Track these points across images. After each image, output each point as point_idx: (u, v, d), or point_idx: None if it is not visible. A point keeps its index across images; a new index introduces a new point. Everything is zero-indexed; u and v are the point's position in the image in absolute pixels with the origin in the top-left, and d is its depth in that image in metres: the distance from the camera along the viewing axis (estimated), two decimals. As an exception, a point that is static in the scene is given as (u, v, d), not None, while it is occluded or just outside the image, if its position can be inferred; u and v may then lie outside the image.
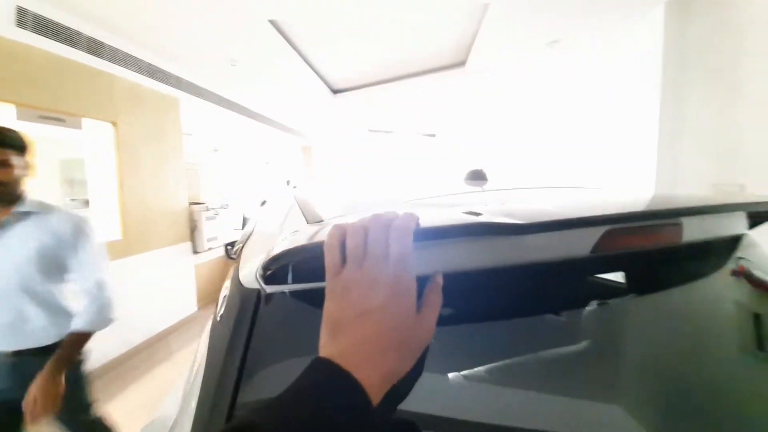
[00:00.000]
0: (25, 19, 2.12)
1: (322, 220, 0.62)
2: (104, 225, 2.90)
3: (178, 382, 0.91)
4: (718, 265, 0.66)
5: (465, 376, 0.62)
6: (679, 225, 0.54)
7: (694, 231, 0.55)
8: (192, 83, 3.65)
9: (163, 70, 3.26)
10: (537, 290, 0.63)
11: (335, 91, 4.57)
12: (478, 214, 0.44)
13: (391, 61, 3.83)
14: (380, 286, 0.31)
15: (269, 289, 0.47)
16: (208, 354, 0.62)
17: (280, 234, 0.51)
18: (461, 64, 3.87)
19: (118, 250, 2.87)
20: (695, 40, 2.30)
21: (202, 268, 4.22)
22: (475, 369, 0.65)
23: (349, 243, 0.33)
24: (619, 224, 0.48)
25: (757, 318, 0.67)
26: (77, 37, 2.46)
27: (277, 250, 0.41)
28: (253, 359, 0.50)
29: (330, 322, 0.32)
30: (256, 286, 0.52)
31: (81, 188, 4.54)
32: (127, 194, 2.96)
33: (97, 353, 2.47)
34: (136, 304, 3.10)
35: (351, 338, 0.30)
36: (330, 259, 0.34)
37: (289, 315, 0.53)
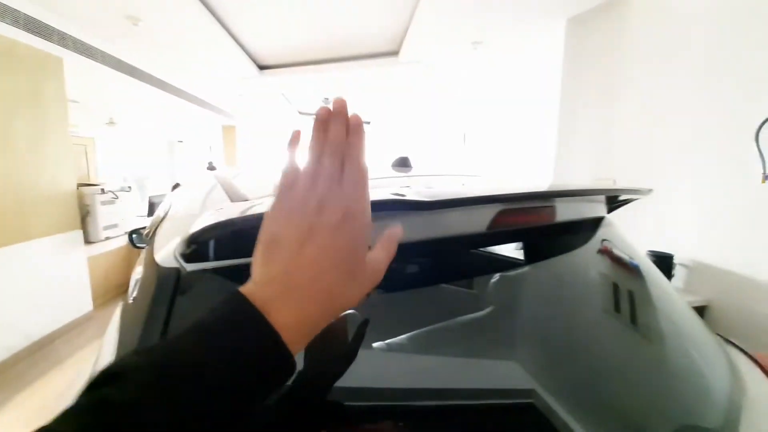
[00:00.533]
0: None
1: (247, 199, 0.60)
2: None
3: (76, 384, 0.82)
4: (585, 240, 0.81)
5: (384, 346, 0.68)
6: (552, 207, 0.66)
7: (565, 212, 0.68)
8: (81, 41, 3.04)
9: (43, 22, 2.66)
10: (448, 261, 0.73)
11: (261, 67, 4.26)
12: (402, 195, 0.48)
13: (323, 42, 3.70)
14: (331, 208, 0.28)
15: (190, 267, 0.45)
16: (119, 341, 0.57)
17: (201, 214, 0.48)
18: (395, 53, 3.93)
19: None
20: (589, 52, 2.68)
21: (97, 260, 3.65)
22: (392, 338, 0.71)
23: (307, 160, 0.30)
24: (505, 204, 0.58)
25: (615, 286, 0.85)
26: None
27: (199, 226, 0.39)
28: None
29: (267, 243, 0.28)
30: (175, 265, 0.49)
31: None
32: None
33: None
34: (12, 303, 2.58)
35: (287, 265, 0.27)
36: (287, 174, 0.30)
37: (212, 296, 0.51)
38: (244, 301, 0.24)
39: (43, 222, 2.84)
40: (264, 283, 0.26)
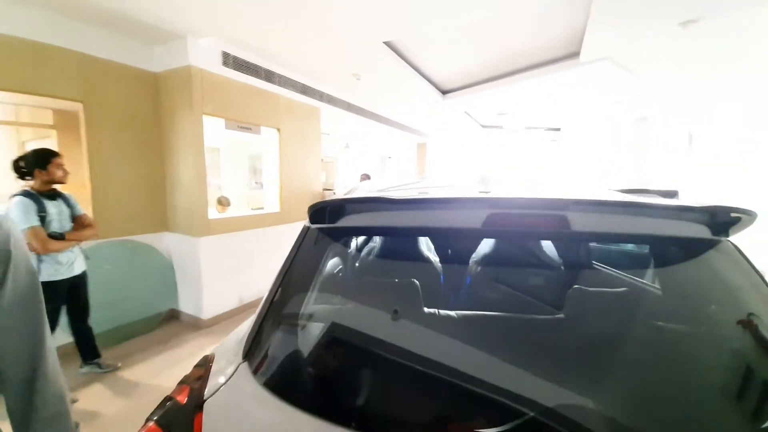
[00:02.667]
0: (227, 60, 3.33)
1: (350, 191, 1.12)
2: (271, 201, 4.16)
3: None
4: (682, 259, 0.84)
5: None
6: (549, 216, 0.77)
7: (587, 223, 0.77)
8: (329, 95, 4.68)
9: (310, 87, 4.34)
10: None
11: (444, 92, 4.96)
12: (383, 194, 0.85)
13: (496, 59, 3.98)
14: None
15: (312, 225, 0.99)
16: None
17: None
18: (575, 55, 3.71)
19: (276, 219, 4.06)
20: None
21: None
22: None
23: None
24: (494, 208, 0.78)
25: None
26: (259, 70, 3.63)
27: (313, 205, 0.92)
28: (291, 272, 0.97)
29: None
30: (307, 223, 1.03)
31: (259, 175, 6.29)
32: (283, 179, 4.15)
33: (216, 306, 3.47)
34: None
35: None
36: None
37: (317, 239, 1.00)
38: None
39: (303, 211, 4.57)
40: None
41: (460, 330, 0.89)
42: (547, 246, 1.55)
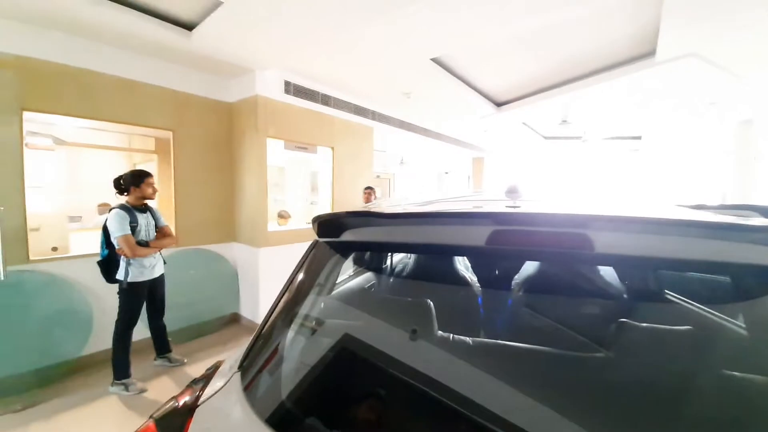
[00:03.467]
0: (288, 88, 3.66)
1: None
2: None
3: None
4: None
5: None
6: (572, 235, 0.66)
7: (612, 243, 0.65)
8: (381, 113, 4.84)
9: (362, 107, 4.55)
10: None
11: (499, 104, 4.80)
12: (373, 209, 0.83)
13: (552, 68, 3.75)
14: None
15: (321, 239, 1.00)
16: None
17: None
18: (648, 54, 3.33)
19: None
20: None
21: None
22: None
23: None
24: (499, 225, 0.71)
25: None
26: (316, 95, 3.93)
27: (319, 216, 0.95)
28: (296, 285, 0.99)
29: None
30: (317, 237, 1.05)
31: (317, 190, 6.70)
32: (336, 196, 4.36)
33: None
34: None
35: None
36: None
37: (327, 258, 1.00)
38: None
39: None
40: None
41: (473, 358, 0.82)
42: (608, 271, 1.37)
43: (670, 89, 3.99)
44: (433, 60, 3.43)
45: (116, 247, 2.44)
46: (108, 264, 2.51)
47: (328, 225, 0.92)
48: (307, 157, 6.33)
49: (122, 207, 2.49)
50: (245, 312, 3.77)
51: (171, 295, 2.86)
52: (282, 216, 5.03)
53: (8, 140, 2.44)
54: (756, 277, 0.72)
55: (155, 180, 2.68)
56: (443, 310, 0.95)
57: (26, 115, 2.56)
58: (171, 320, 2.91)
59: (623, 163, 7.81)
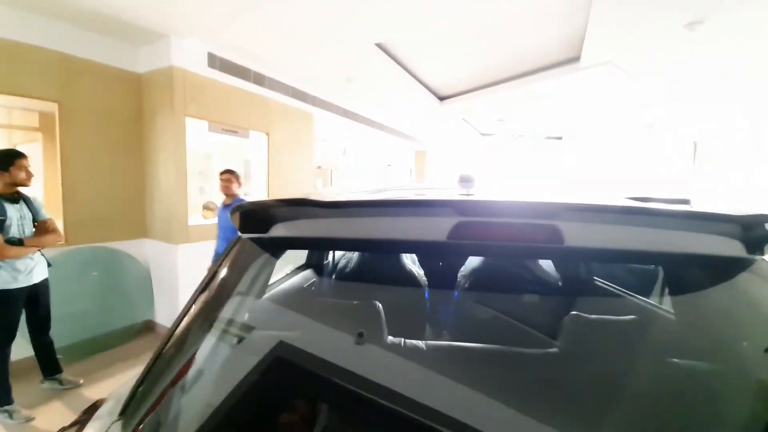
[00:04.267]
0: (213, 61, 3.21)
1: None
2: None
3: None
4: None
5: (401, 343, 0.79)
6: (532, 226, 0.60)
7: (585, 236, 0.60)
8: (322, 99, 4.56)
9: (302, 91, 4.22)
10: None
11: (441, 98, 4.84)
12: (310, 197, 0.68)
13: (495, 64, 3.85)
14: None
15: (244, 235, 0.77)
16: None
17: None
18: (574, 59, 3.58)
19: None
20: None
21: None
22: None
23: None
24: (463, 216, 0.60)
25: None
26: (247, 73, 3.52)
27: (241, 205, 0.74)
28: (209, 296, 0.78)
29: None
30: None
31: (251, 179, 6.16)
32: (272, 186, 4.00)
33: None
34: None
35: None
36: None
37: (252, 259, 0.81)
38: None
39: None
40: None
41: (427, 364, 0.73)
42: (548, 264, 1.37)
43: (588, 93, 4.38)
44: (378, 45, 3.27)
45: None
46: None
47: (252, 217, 0.73)
48: (239, 143, 5.76)
49: None
50: (161, 319, 3.28)
51: (65, 303, 2.35)
52: (208, 208, 4.49)
53: None
54: (692, 266, 0.74)
55: (30, 163, 2.13)
56: (391, 312, 0.85)
57: None
58: (65, 334, 2.39)
59: (547, 161, 8.55)
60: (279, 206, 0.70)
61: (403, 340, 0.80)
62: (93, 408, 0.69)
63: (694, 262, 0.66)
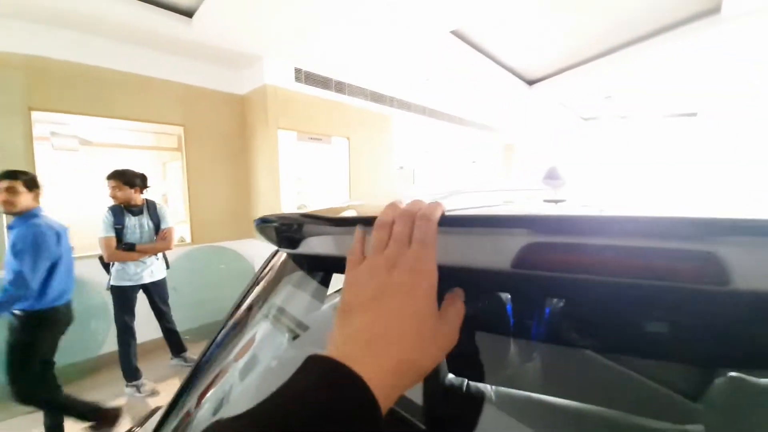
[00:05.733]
0: (300, 76, 3.47)
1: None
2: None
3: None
4: None
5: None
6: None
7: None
8: (400, 100, 4.55)
9: (380, 93, 4.29)
10: None
11: (530, 83, 4.35)
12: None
13: (593, 35, 3.28)
14: (399, 268, 0.29)
15: (281, 249, 0.72)
16: None
17: None
18: (714, 11, 2.80)
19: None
20: None
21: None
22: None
23: (373, 235, 0.33)
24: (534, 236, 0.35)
25: None
26: (329, 83, 3.72)
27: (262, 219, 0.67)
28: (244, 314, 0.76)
29: (342, 313, 0.29)
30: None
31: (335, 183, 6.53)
32: (353, 189, 4.15)
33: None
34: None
35: (362, 322, 0.27)
36: (353, 250, 0.34)
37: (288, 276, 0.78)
38: (329, 360, 0.24)
39: (374, 220, 4.50)
40: (342, 343, 0.27)
41: (490, 410, 0.57)
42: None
43: (734, 54, 3.38)
44: (454, 33, 3.09)
45: None
46: (106, 263, 2.47)
47: (280, 230, 0.64)
48: (324, 149, 6.16)
49: (112, 208, 2.41)
50: (263, 310, 3.69)
51: (189, 293, 2.80)
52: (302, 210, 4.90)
53: (16, 140, 2.44)
54: None
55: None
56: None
57: (46, 116, 2.57)
58: (189, 318, 2.85)
59: (675, 145, 6.97)
60: (277, 222, 0.61)
61: (466, 381, 0.63)
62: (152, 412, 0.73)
63: None
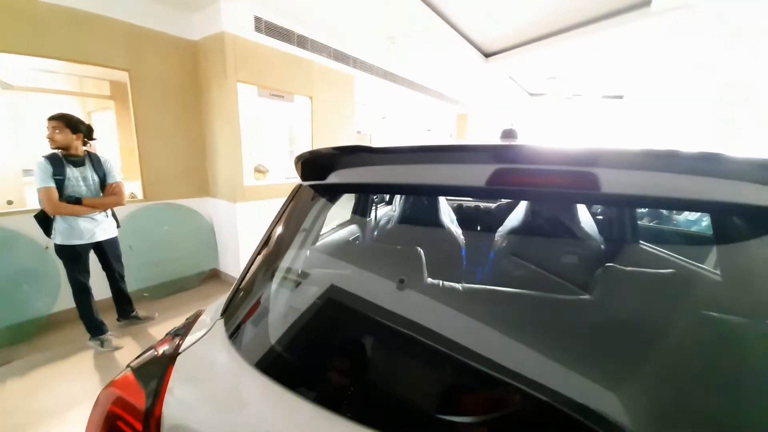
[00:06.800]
0: (260, 25, 3.29)
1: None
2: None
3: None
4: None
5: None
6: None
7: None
8: (363, 61, 4.52)
9: (343, 53, 4.21)
10: None
11: (487, 55, 4.57)
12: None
13: (547, 14, 3.54)
14: None
15: (305, 183, 0.90)
16: None
17: None
18: (645, 4, 3.19)
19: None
20: None
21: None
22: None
23: None
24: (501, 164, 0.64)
25: None
26: (291, 36, 3.58)
27: (303, 155, 0.85)
28: (279, 232, 0.94)
29: None
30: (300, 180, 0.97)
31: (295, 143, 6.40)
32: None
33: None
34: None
35: None
36: None
37: (311, 204, 0.93)
38: None
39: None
40: None
41: (463, 304, 0.81)
42: (588, 222, 1.38)
43: (659, 44, 3.90)
44: (421, -1, 3.14)
45: None
46: (45, 219, 2.19)
47: (312, 165, 0.83)
48: (285, 107, 5.95)
49: (49, 157, 2.13)
50: (225, 268, 3.70)
51: (144, 251, 2.73)
52: (259, 170, 4.79)
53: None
54: (740, 218, 0.72)
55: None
56: (432, 257, 0.93)
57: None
58: (147, 278, 2.80)
59: (607, 123, 7.85)
60: (336, 154, 0.79)
61: (441, 282, 0.87)
62: (195, 316, 0.88)
63: (736, 211, 0.64)
